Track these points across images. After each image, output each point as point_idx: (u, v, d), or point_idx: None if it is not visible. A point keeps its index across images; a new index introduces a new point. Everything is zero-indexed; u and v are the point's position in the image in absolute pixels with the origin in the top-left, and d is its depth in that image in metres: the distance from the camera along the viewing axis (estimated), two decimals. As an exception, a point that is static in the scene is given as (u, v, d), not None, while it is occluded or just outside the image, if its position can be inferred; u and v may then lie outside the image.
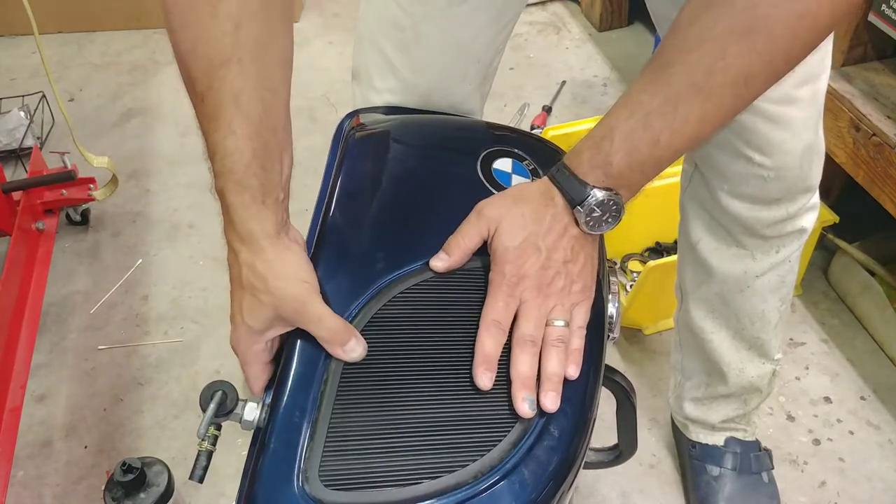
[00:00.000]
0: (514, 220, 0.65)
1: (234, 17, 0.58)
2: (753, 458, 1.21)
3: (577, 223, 0.66)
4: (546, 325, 0.64)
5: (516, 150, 0.78)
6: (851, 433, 1.35)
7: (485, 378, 0.60)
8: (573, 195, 0.65)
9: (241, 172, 0.60)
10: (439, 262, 0.66)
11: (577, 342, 0.64)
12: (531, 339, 0.62)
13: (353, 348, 0.60)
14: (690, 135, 0.62)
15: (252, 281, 0.61)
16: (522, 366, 0.61)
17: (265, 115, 0.61)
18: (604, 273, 0.71)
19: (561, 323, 0.64)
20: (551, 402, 0.61)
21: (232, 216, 0.61)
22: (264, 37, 0.60)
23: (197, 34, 0.59)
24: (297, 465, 0.57)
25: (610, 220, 0.65)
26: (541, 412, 0.61)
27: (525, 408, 0.60)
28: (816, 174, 0.94)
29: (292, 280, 0.61)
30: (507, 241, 0.65)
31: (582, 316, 0.66)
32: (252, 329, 0.62)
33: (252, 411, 0.60)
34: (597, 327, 0.67)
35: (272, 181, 0.63)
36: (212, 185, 0.62)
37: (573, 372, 0.63)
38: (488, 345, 0.62)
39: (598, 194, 0.64)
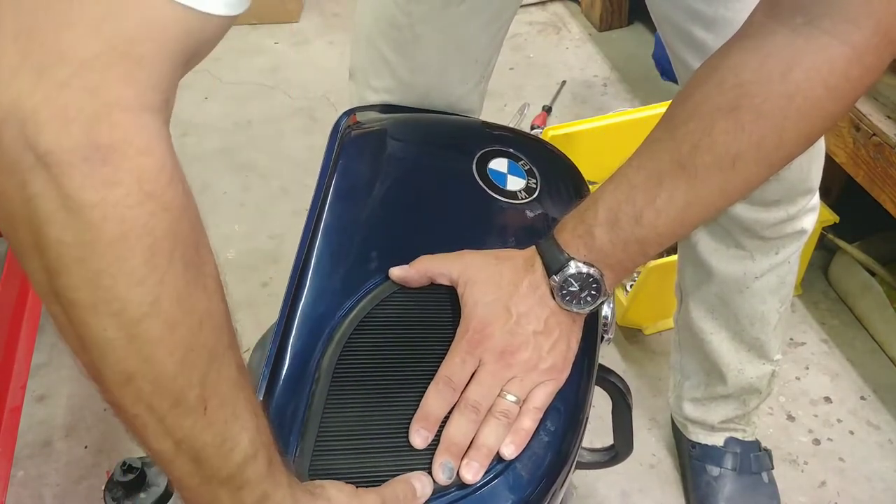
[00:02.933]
0: (490, 277, 0.63)
1: (217, 277, 0.45)
2: (753, 459, 1.21)
3: (553, 295, 0.62)
4: (498, 395, 0.60)
5: (513, 151, 0.78)
6: (851, 433, 1.35)
7: (418, 438, 0.57)
8: (551, 263, 0.62)
9: (276, 456, 0.49)
10: (397, 270, 0.65)
11: (528, 423, 0.59)
12: (474, 406, 0.58)
13: (423, 489, 0.56)
14: (676, 217, 0.59)
15: None
16: (455, 431, 0.58)
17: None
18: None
19: (512, 398, 0.59)
20: (471, 473, 0.56)
21: None
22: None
23: (195, 323, 0.43)
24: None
25: (588, 298, 0.62)
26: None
27: (440, 474, 0.56)
28: (816, 175, 0.93)
29: None
30: (478, 297, 0.62)
31: (542, 397, 0.60)
32: None
33: None
34: (591, 326, 0.67)
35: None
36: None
37: (509, 451, 0.58)
38: (432, 403, 0.59)
39: (576, 266, 0.61)
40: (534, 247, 0.64)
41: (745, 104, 0.55)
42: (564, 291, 0.62)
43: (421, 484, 0.56)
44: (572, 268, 0.61)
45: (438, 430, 0.59)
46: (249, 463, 0.45)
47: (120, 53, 0.38)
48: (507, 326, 0.61)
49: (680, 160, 0.57)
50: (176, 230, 0.41)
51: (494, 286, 0.62)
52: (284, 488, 0.48)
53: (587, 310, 0.63)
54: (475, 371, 0.60)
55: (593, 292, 0.62)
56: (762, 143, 0.56)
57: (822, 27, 0.54)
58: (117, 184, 0.38)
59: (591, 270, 0.61)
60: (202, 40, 0.43)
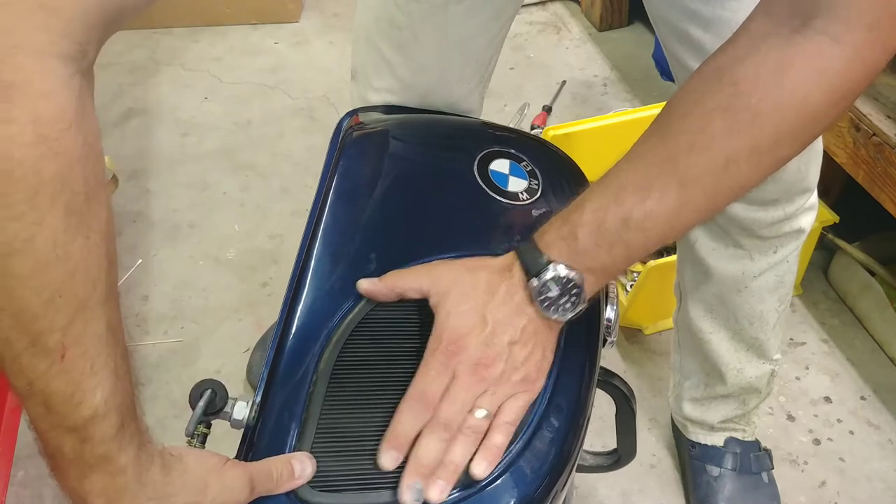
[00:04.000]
0: (464, 287, 0.60)
1: (105, 232, 0.45)
2: (753, 459, 1.21)
3: (531, 301, 0.60)
4: (469, 410, 0.58)
5: (514, 152, 0.78)
6: (851, 433, 1.35)
7: (387, 459, 0.56)
8: (529, 267, 0.59)
9: (130, 421, 0.49)
10: (365, 283, 0.63)
11: (500, 438, 0.57)
12: (446, 425, 0.57)
13: (305, 470, 0.56)
14: (665, 220, 0.56)
15: None
16: (424, 451, 0.56)
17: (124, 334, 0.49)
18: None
19: (482, 413, 0.57)
20: (436, 492, 0.55)
21: (126, 482, 0.48)
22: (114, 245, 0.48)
23: (68, 269, 0.43)
24: None
25: (568, 304, 0.59)
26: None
27: (407, 495, 0.54)
28: (814, 175, 0.94)
29: (218, 481, 0.52)
30: (451, 308, 0.59)
31: (514, 411, 0.58)
32: None
33: (241, 410, 0.60)
34: (593, 328, 0.67)
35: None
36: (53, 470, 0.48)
37: (479, 470, 0.56)
38: (404, 423, 0.57)
39: (556, 269, 0.58)
40: (513, 252, 0.62)
41: (741, 104, 0.55)
42: (543, 297, 0.59)
43: (301, 465, 0.55)
44: (552, 271, 0.58)
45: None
46: (97, 421, 0.46)
47: (37, 2, 0.40)
48: (483, 337, 0.59)
49: (672, 159, 0.56)
50: (65, 176, 0.42)
51: (469, 296, 0.60)
52: (130, 456, 0.48)
53: (566, 317, 0.60)
54: (448, 384, 0.58)
55: (573, 298, 0.59)
56: (756, 144, 0.55)
57: (817, 28, 0.53)
58: (11, 121, 0.39)
59: (572, 274, 0.58)
60: (127, 4, 0.45)
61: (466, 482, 0.57)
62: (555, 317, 0.60)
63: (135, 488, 0.48)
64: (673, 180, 0.56)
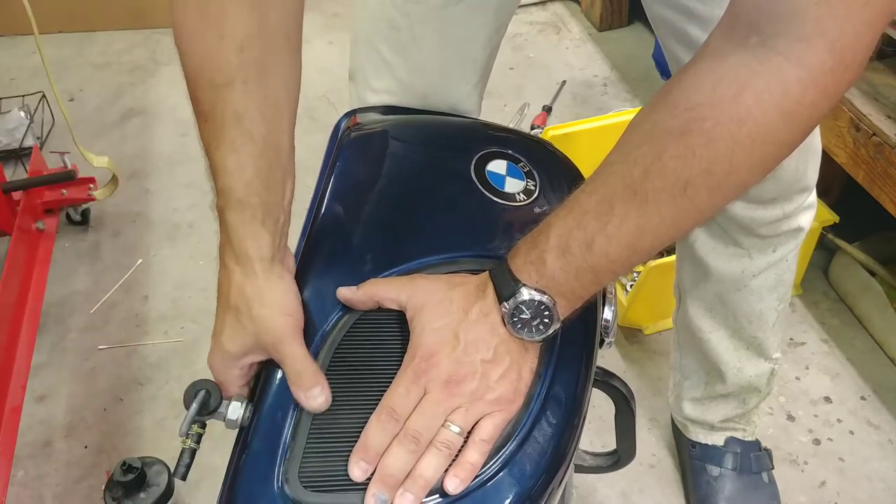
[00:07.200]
0: (440, 303, 0.60)
1: (239, 39, 0.58)
2: (753, 458, 1.21)
3: (505, 322, 0.60)
4: (442, 425, 0.58)
5: (511, 152, 0.78)
6: (851, 433, 1.35)
7: (357, 470, 0.56)
8: (502, 290, 0.60)
9: (242, 190, 0.60)
10: (345, 291, 0.64)
11: (475, 456, 0.57)
12: (414, 436, 0.57)
13: (316, 396, 0.58)
14: (627, 244, 0.56)
15: (238, 303, 0.60)
16: (392, 462, 0.56)
17: (269, 135, 0.60)
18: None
19: (455, 429, 0.57)
20: None
21: (230, 234, 0.60)
22: (269, 60, 0.60)
23: (203, 55, 0.58)
24: (277, 466, 0.57)
25: (541, 326, 0.59)
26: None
27: None
28: (813, 174, 0.94)
29: (277, 311, 0.60)
30: (426, 323, 0.60)
31: (489, 429, 0.58)
32: (229, 353, 0.61)
33: (236, 410, 0.60)
34: (589, 329, 0.67)
35: (274, 202, 0.62)
36: (213, 203, 0.62)
37: (453, 486, 0.56)
38: (373, 436, 0.57)
39: (527, 293, 0.58)
40: (487, 272, 0.62)
41: (696, 128, 0.53)
42: (515, 319, 0.59)
43: None
44: (524, 294, 0.58)
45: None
46: (219, 174, 0.60)
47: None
48: (455, 355, 0.59)
49: (631, 185, 0.55)
50: None
51: (443, 312, 0.60)
52: (244, 220, 0.60)
53: (539, 338, 0.60)
54: (420, 400, 0.58)
55: (546, 320, 0.59)
56: (713, 169, 0.54)
57: (775, 48, 0.52)
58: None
59: (543, 298, 0.58)
60: None
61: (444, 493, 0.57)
62: (527, 338, 0.60)
63: (260, 284, 0.60)
64: (632, 205, 0.56)
